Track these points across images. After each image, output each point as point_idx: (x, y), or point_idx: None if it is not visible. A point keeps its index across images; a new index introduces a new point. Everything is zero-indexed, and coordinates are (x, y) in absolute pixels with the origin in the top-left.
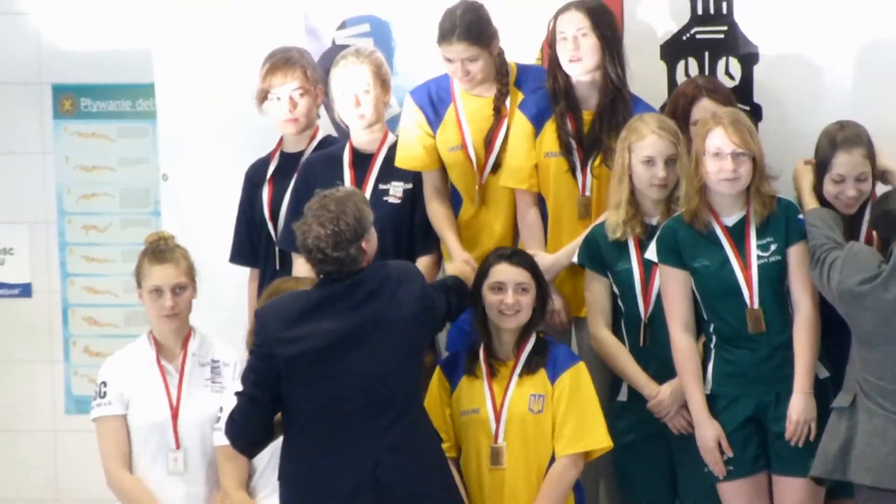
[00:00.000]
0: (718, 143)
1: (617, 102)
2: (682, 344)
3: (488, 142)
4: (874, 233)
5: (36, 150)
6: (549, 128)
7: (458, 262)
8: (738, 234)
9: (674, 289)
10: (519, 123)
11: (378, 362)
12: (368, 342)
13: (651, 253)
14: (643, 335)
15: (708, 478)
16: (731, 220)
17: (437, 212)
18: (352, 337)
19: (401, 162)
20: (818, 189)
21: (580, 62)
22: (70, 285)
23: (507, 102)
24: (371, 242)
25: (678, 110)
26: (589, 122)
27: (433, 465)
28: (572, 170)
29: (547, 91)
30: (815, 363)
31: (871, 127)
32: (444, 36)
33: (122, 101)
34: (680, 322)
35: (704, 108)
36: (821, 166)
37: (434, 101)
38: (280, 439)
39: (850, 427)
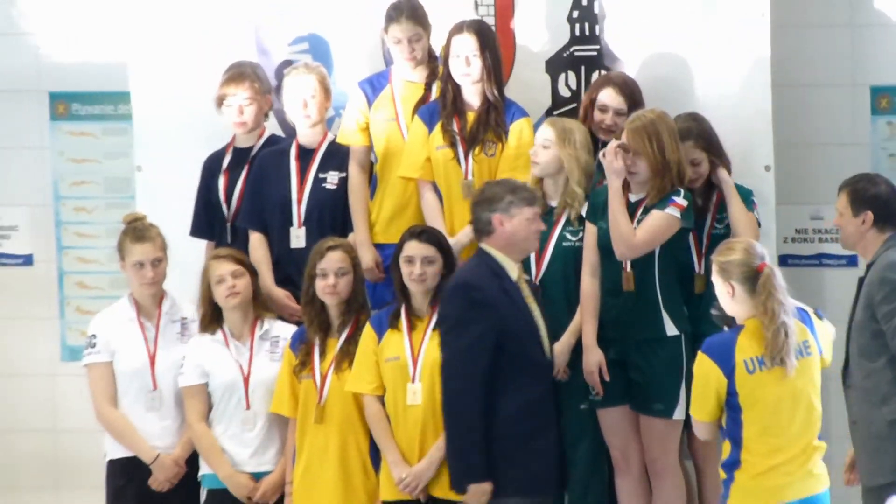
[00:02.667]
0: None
1: (491, 110)
2: (587, 286)
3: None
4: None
5: (36, 146)
6: (439, 128)
7: (367, 260)
8: (633, 209)
9: (588, 240)
10: (416, 125)
11: None
12: None
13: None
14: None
15: (586, 401)
16: (634, 198)
17: (355, 184)
18: None
19: (340, 138)
20: None
21: (469, 76)
22: (64, 256)
23: (434, 86)
24: (507, 226)
25: (592, 94)
26: (472, 121)
27: None
28: (457, 158)
29: (437, 99)
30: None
31: (719, 125)
32: (393, 18)
33: (106, 106)
34: (589, 268)
35: (607, 93)
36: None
37: (374, 84)
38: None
39: None
